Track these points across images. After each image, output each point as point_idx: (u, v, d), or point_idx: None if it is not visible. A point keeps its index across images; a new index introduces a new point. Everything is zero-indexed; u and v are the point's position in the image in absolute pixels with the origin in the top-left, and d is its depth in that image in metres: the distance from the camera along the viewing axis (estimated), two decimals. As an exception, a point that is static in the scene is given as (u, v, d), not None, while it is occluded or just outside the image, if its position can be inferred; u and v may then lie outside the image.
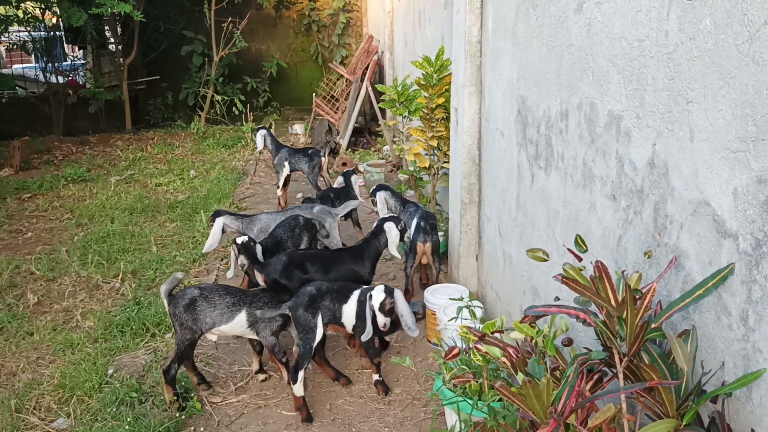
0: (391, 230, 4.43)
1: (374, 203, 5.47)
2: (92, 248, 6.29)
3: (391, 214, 5.07)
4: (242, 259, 4.31)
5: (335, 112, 10.57)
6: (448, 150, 5.31)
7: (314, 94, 10.86)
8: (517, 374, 2.09)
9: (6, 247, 6.72)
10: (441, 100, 5.33)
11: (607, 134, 2.67)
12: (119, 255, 6.17)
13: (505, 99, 4.07)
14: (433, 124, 5.45)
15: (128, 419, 3.54)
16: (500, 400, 3.03)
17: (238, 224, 5.22)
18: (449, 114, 5.18)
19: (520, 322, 2.27)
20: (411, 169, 6.04)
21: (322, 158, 7.30)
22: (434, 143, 5.47)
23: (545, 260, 2.14)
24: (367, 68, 9.97)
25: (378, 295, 3.72)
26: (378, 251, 4.48)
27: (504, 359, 2.19)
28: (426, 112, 5.43)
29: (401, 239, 4.50)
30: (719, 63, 1.93)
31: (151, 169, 9.49)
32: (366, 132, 10.96)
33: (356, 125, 10.24)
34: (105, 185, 8.70)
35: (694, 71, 2.06)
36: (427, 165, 5.65)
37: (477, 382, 3.25)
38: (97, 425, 3.62)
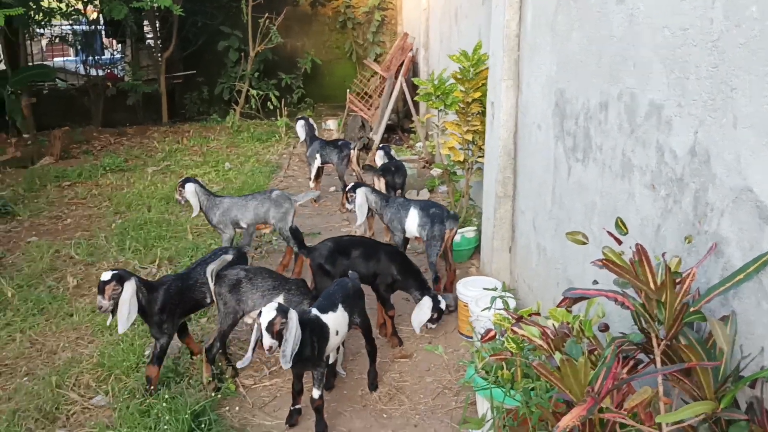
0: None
1: (349, 200, 5.35)
2: (130, 235, 6.42)
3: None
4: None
5: (368, 109, 10.63)
6: (483, 144, 5.32)
7: (348, 91, 10.92)
8: (554, 355, 2.11)
9: (47, 233, 6.89)
10: (477, 95, 5.34)
11: (648, 124, 2.67)
12: (156, 242, 6.28)
13: (543, 92, 4.08)
14: (469, 118, 5.47)
15: (165, 397, 3.62)
16: (533, 389, 3.05)
17: (204, 198, 5.36)
18: (485, 108, 5.20)
19: (557, 305, 2.29)
20: (445, 163, 6.07)
21: (352, 150, 7.38)
22: (469, 137, 5.49)
23: (584, 243, 2.16)
24: (401, 65, 10.00)
25: (268, 313, 3.21)
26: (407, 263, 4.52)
27: (541, 342, 2.21)
28: (462, 106, 5.45)
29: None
30: (766, 49, 1.94)
31: (187, 161, 9.64)
32: (399, 129, 11.01)
33: (389, 122, 10.28)
34: (142, 175, 8.86)
35: (739, 58, 2.06)
36: (461, 159, 5.67)
37: (510, 371, 3.28)
38: (134, 402, 3.71)
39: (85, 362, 4.30)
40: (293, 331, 3.17)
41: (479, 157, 5.55)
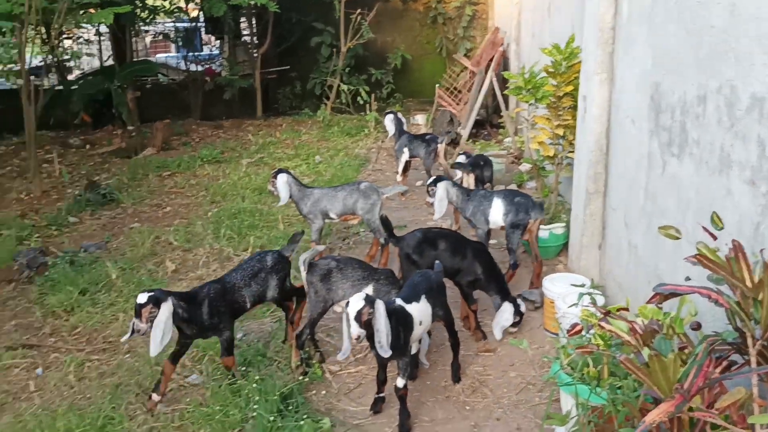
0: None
1: (430, 193, 5.31)
2: (224, 223, 6.67)
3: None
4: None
5: (457, 104, 10.60)
6: (574, 139, 5.23)
7: (437, 86, 10.92)
8: (642, 350, 2.07)
9: (148, 219, 7.26)
10: (569, 88, 5.26)
11: (749, 117, 2.57)
12: (249, 231, 6.51)
13: (637, 85, 3.98)
14: (560, 113, 5.39)
15: (255, 378, 3.77)
16: (620, 388, 3.00)
17: (296, 189, 5.52)
18: (576, 102, 5.11)
19: (647, 302, 2.25)
20: (534, 158, 6.00)
21: (439, 145, 7.40)
22: (560, 132, 5.41)
23: (677, 238, 2.11)
24: (491, 60, 9.93)
25: (356, 303, 3.28)
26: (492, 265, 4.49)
27: (629, 337, 2.18)
28: (553, 100, 5.38)
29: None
30: None
31: (279, 154, 9.91)
32: (487, 124, 10.93)
33: (478, 117, 10.22)
34: (237, 167, 9.18)
35: None
36: (551, 154, 5.59)
37: (596, 368, 3.24)
38: (226, 382, 3.88)
39: (181, 342, 4.52)
40: (382, 321, 3.24)
41: (569, 152, 5.45)
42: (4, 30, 7.83)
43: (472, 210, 5.15)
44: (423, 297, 3.63)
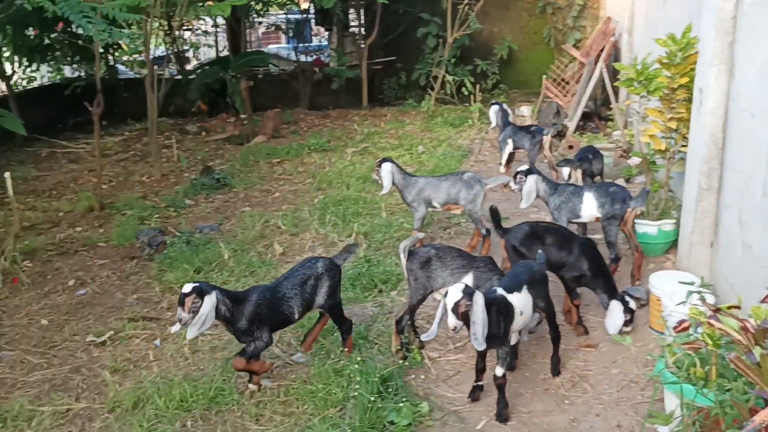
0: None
1: (516, 181, 5.26)
2: (330, 210, 6.87)
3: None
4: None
5: (564, 95, 10.39)
6: (687, 133, 5.04)
7: (544, 77, 10.74)
8: (753, 350, 2.02)
9: (258, 204, 7.58)
10: (684, 80, 5.06)
11: None
12: (353, 218, 6.67)
13: (759, 77, 3.80)
14: (673, 105, 5.20)
15: (357, 360, 3.90)
16: (728, 390, 2.91)
17: (400, 177, 5.60)
18: (691, 95, 4.92)
19: (762, 301, 2.18)
20: (644, 152, 5.82)
21: (545, 137, 7.30)
22: (673, 125, 5.23)
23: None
24: (602, 50, 9.66)
25: (454, 294, 3.30)
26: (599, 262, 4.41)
27: (740, 336, 2.13)
28: (666, 92, 5.20)
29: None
30: None
31: (384, 144, 10.06)
32: (595, 116, 10.64)
33: (586, 109, 9.98)
34: (342, 155, 9.41)
35: None
36: (662, 148, 5.41)
37: (703, 369, 3.15)
38: (329, 362, 4.03)
39: (287, 323, 4.73)
40: (480, 314, 3.26)
41: (682, 146, 5.26)
42: (131, 22, 8.36)
43: (558, 204, 5.11)
44: (525, 287, 3.64)
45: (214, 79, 12.05)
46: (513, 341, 3.91)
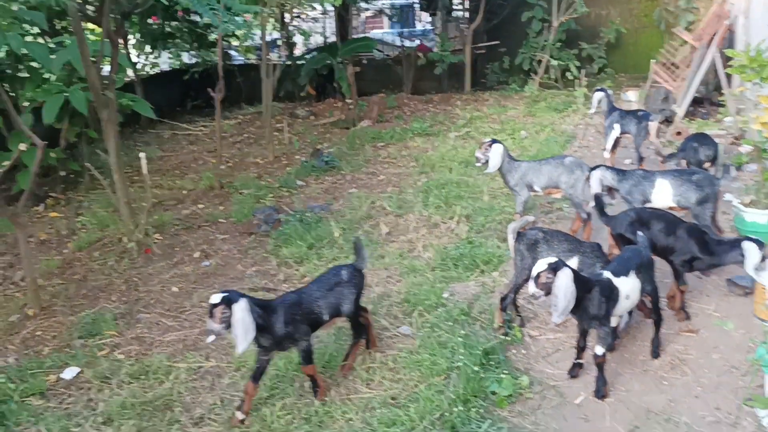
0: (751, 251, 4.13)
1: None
2: (433, 192, 7.10)
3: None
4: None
5: (674, 80, 10.13)
6: (803, 121, 4.94)
7: (653, 61, 10.50)
8: None
9: (364, 186, 7.92)
10: (800, 67, 4.96)
11: None
12: (455, 201, 6.87)
13: None
14: (788, 93, 5.10)
15: (461, 333, 4.14)
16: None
17: (506, 160, 5.69)
18: (808, 82, 4.82)
19: None
20: (756, 139, 5.71)
21: (651, 122, 7.20)
22: (786, 113, 5.12)
23: None
24: (715, 34, 9.35)
25: (540, 265, 3.49)
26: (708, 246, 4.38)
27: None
28: (780, 79, 5.10)
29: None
30: None
31: (486, 128, 10.17)
32: (706, 102, 10.33)
33: (696, 94, 9.71)
34: (445, 140, 9.61)
35: None
36: (775, 136, 5.31)
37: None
38: (434, 335, 4.30)
39: (394, 297, 5.03)
40: (562, 288, 3.42)
41: (797, 134, 5.15)
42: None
43: (628, 189, 5.17)
44: (632, 272, 3.75)
45: (323, 65, 12.50)
46: (613, 323, 4.03)
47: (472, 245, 5.72)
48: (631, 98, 10.97)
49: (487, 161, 5.70)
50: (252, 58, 15.15)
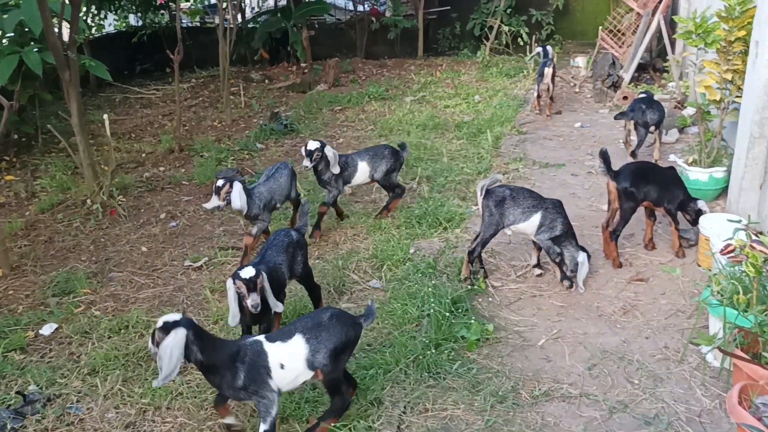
0: None
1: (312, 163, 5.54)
2: (393, 155, 7.28)
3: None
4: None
5: (620, 47, 10.50)
6: (743, 84, 5.29)
7: (600, 28, 10.84)
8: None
9: (324, 149, 8.03)
10: (741, 33, 5.28)
11: None
12: (415, 162, 7.09)
13: (813, 32, 4.05)
14: (730, 57, 5.44)
15: (430, 284, 4.39)
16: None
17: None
18: (748, 47, 5.15)
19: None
20: (699, 102, 6.07)
21: (546, 68, 8.55)
22: (728, 76, 5.47)
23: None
24: (660, 2, 9.72)
25: None
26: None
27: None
28: (723, 44, 5.43)
29: None
30: None
31: (440, 93, 10.37)
32: (650, 67, 10.75)
33: (641, 61, 10.10)
34: (401, 104, 9.77)
35: None
36: (717, 98, 5.66)
37: (745, 296, 3.53)
38: (404, 286, 4.53)
39: (362, 253, 5.22)
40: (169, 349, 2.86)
41: (737, 96, 5.51)
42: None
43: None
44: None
45: (276, 29, 12.43)
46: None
47: (434, 204, 5.94)
48: (580, 64, 11.33)
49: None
50: (196, 22, 14.98)
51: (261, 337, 3.12)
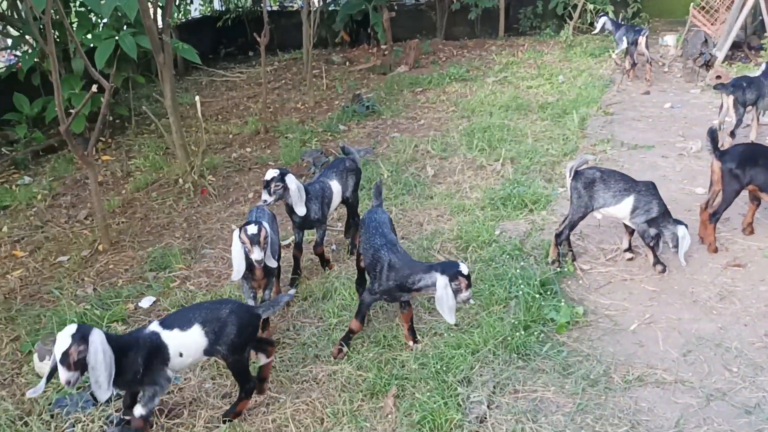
0: None
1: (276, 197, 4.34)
2: (476, 136, 7.23)
3: None
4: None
5: (713, 24, 10.06)
6: None
7: (691, 5, 10.41)
8: None
9: (406, 130, 8.06)
10: None
11: None
12: (498, 144, 7.02)
13: None
14: (840, 33, 5.14)
15: (517, 266, 4.35)
16: None
17: None
18: None
19: None
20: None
21: (641, 36, 8.96)
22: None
23: None
24: (758, -25, 9.24)
25: None
26: None
27: None
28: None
29: None
30: None
31: (522, 73, 10.21)
32: (745, 45, 10.26)
33: (735, 39, 9.66)
34: (482, 85, 9.67)
35: None
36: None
37: None
38: (490, 268, 4.51)
39: (446, 234, 5.22)
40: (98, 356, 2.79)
41: None
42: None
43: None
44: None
45: (357, 11, 12.50)
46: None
47: (519, 185, 5.88)
48: (669, 42, 10.94)
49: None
50: (276, 5, 15.23)
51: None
